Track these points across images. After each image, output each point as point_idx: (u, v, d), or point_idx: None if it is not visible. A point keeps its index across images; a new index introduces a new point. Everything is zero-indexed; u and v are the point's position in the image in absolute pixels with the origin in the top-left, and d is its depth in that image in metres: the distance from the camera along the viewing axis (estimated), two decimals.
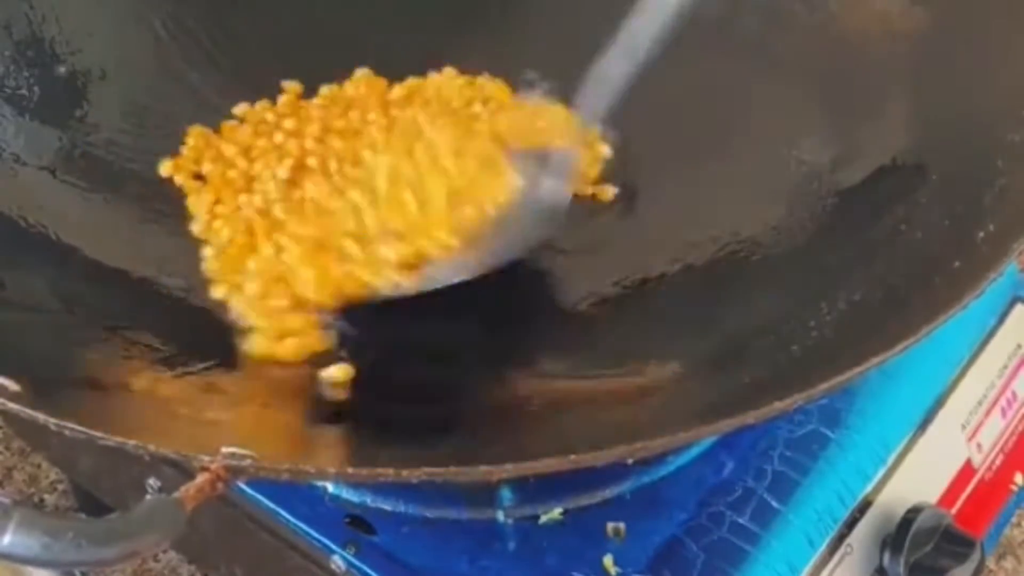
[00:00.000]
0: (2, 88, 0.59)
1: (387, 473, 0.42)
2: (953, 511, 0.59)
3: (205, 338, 0.54)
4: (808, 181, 0.58)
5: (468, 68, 0.63)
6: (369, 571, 0.53)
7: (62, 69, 0.60)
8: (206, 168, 0.59)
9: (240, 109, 0.61)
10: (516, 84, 0.61)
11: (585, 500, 0.54)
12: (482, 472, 0.42)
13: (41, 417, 0.41)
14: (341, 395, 0.51)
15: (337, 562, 0.54)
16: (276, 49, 0.65)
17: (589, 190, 0.59)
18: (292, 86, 0.62)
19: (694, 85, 0.61)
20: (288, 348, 0.52)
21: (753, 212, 0.57)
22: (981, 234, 0.49)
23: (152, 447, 0.41)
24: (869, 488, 0.56)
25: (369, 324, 0.53)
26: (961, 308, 0.44)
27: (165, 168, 0.59)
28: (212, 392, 0.50)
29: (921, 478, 0.58)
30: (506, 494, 0.54)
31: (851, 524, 0.55)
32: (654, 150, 0.60)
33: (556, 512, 0.54)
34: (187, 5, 0.64)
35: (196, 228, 0.57)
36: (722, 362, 0.50)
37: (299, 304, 0.53)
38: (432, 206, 0.54)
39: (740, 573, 0.52)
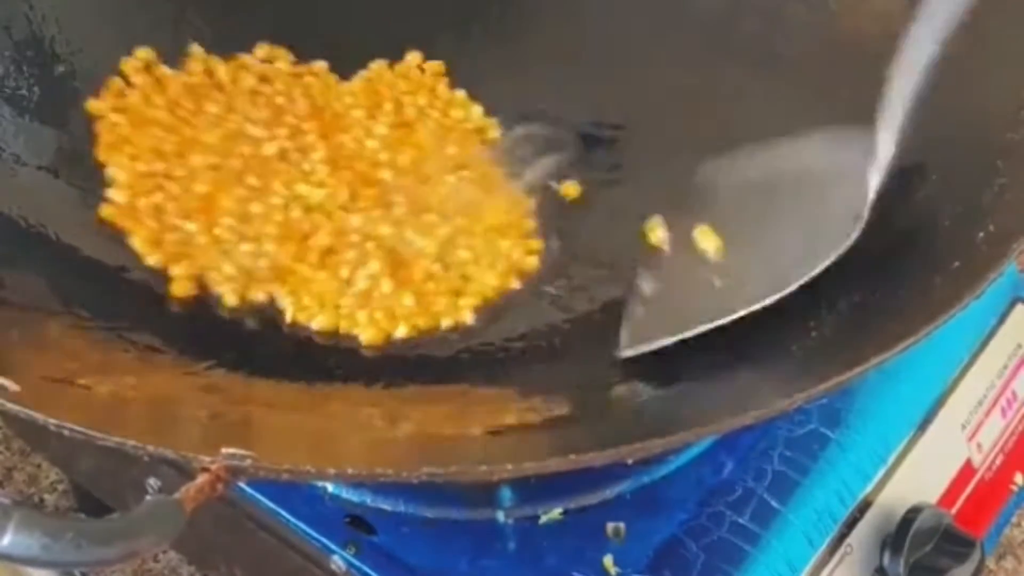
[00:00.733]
0: (2, 88, 0.59)
1: (387, 473, 0.42)
2: (953, 511, 0.59)
3: (205, 338, 0.54)
4: None
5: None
6: (369, 571, 0.53)
7: (62, 69, 0.60)
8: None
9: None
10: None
11: (585, 500, 0.54)
12: (482, 472, 0.42)
13: (41, 417, 0.41)
14: None
15: (337, 562, 0.54)
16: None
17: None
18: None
19: (694, 85, 0.61)
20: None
21: None
22: (981, 234, 0.49)
23: (152, 447, 0.41)
24: (869, 488, 0.56)
25: None
26: (961, 308, 0.44)
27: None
28: (212, 392, 0.50)
29: (921, 478, 0.58)
30: (506, 494, 0.54)
31: (851, 524, 0.55)
32: (654, 150, 0.60)
33: (556, 512, 0.54)
34: (188, 5, 0.64)
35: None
36: (722, 362, 0.50)
37: None
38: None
39: (740, 573, 0.52)
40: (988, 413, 0.61)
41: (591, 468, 0.41)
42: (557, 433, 0.49)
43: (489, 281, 0.56)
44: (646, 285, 0.54)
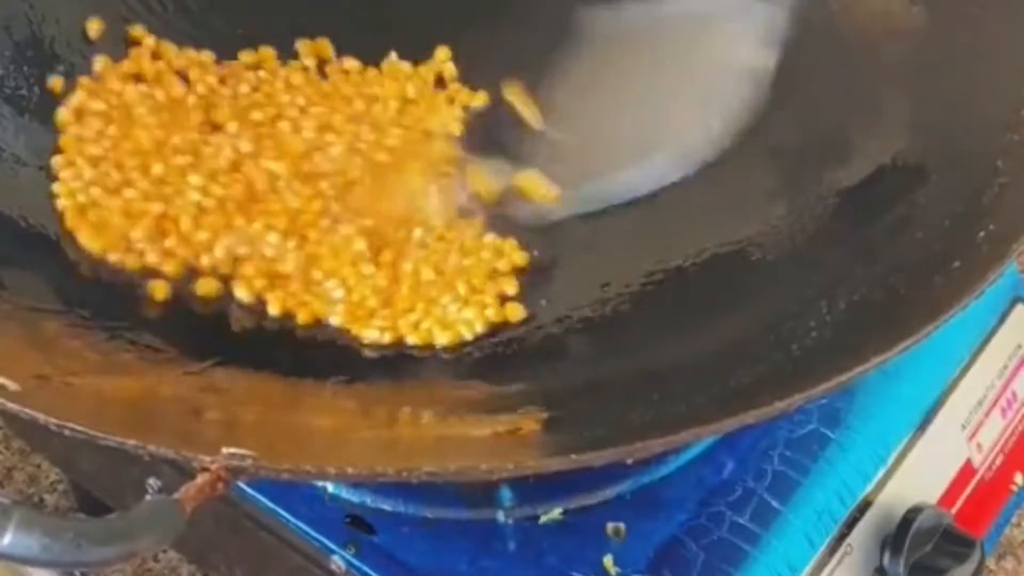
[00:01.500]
0: (2, 88, 0.59)
1: (387, 473, 0.42)
2: (953, 511, 0.59)
3: (205, 338, 0.54)
4: (808, 181, 0.57)
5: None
6: (369, 571, 0.53)
7: (62, 69, 0.60)
8: None
9: None
10: None
11: (585, 500, 0.54)
12: (482, 472, 0.42)
13: (41, 417, 0.41)
14: None
15: (337, 562, 0.54)
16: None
17: None
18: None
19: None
20: None
21: (753, 212, 0.57)
22: (981, 234, 0.49)
23: (152, 447, 0.41)
24: (869, 488, 0.56)
25: None
26: (961, 308, 0.44)
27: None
28: (212, 392, 0.50)
29: (921, 478, 0.58)
30: (506, 494, 0.54)
31: (851, 524, 0.55)
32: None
33: (556, 512, 0.54)
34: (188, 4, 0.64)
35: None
36: (722, 362, 0.50)
37: None
38: None
39: (740, 573, 0.52)
40: (988, 413, 0.61)
41: (591, 468, 0.41)
42: (557, 433, 0.49)
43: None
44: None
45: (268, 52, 0.62)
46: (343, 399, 0.51)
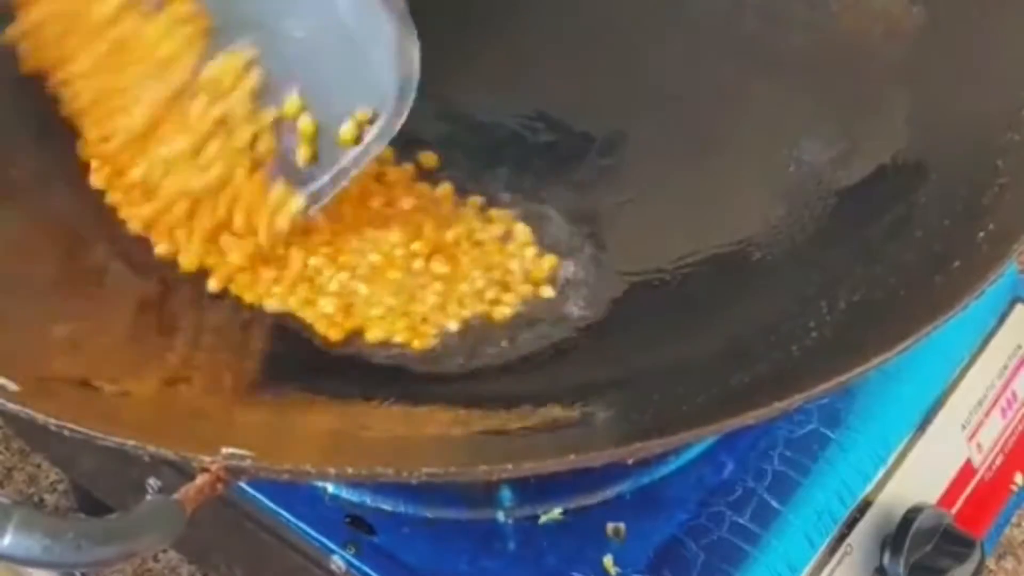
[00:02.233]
0: None
1: (387, 473, 0.42)
2: (953, 511, 0.59)
3: (205, 338, 0.54)
4: (808, 181, 0.58)
5: None
6: (369, 571, 0.53)
7: None
8: None
9: None
10: None
11: (585, 500, 0.54)
12: (482, 472, 0.42)
13: (41, 417, 0.41)
14: None
15: (337, 562, 0.54)
16: None
17: None
18: None
19: (694, 85, 0.61)
20: None
21: (753, 212, 0.57)
22: (981, 234, 0.49)
23: (152, 447, 0.41)
24: (869, 488, 0.56)
25: None
26: (961, 308, 0.44)
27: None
28: (212, 392, 0.50)
29: (921, 478, 0.58)
30: (506, 494, 0.54)
31: (851, 524, 0.55)
32: (654, 150, 0.60)
33: (556, 512, 0.54)
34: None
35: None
36: (722, 362, 0.50)
37: None
38: None
39: (740, 573, 0.52)
40: (988, 413, 0.61)
41: (591, 468, 0.41)
42: (557, 433, 0.49)
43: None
44: None
45: None
46: (350, 401, 0.51)
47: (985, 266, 0.46)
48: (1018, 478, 0.63)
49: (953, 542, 0.56)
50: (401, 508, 0.54)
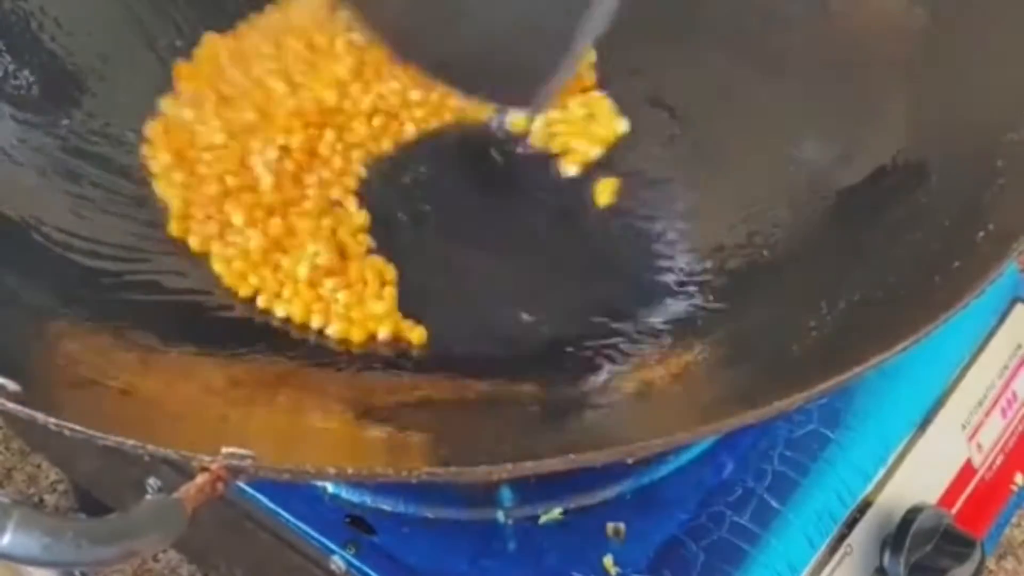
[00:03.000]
0: (2, 88, 0.59)
1: (387, 473, 0.42)
2: (953, 511, 0.59)
3: (206, 338, 0.54)
4: (808, 181, 0.58)
5: None
6: (369, 571, 0.53)
7: (62, 68, 0.60)
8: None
9: None
10: None
11: (585, 500, 0.54)
12: (482, 472, 0.42)
13: (41, 417, 0.41)
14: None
15: (337, 562, 0.54)
16: None
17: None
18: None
19: (694, 85, 0.61)
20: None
21: (753, 212, 0.57)
22: (981, 234, 0.49)
23: (152, 447, 0.41)
24: (869, 488, 0.56)
25: None
26: (961, 308, 0.44)
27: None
28: (212, 392, 0.50)
29: (921, 478, 0.58)
30: (506, 494, 0.54)
31: (851, 524, 0.55)
32: (654, 151, 0.60)
33: (556, 512, 0.54)
34: (190, 4, 0.64)
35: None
36: (722, 361, 0.50)
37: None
38: None
39: (740, 573, 0.52)
40: (988, 413, 0.61)
41: (591, 468, 0.41)
42: (558, 433, 0.49)
43: None
44: None
45: None
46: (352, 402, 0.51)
47: (985, 266, 0.46)
48: (1018, 478, 0.63)
49: (953, 542, 0.56)
50: (401, 508, 0.54)
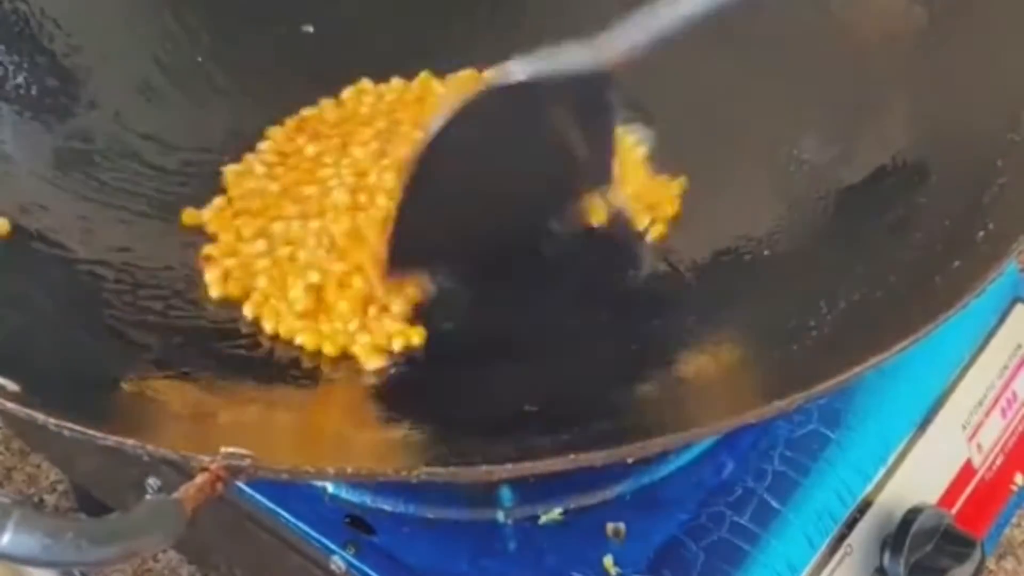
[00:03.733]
0: (2, 87, 0.59)
1: (387, 473, 0.42)
2: (953, 511, 0.59)
3: (206, 338, 0.54)
4: (808, 181, 0.58)
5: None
6: (369, 571, 0.53)
7: (62, 67, 0.60)
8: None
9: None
10: None
11: (585, 500, 0.54)
12: (482, 472, 0.42)
13: (41, 417, 0.41)
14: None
15: (337, 562, 0.54)
16: (279, 50, 0.65)
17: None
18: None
19: (694, 85, 0.61)
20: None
21: (753, 212, 0.57)
22: (981, 234, 0.49)
23: (152, 447, 0.41)
24: (869, 488, 0.56)
25: None
26: (961, 308, 0.44)
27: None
28: (212, 392, 0.50)
29: (921, 478, 0.58)
30: (506, 494, 0.54)
31: (851, 524, 0.55)
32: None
33: (556, 512, 0.54)
34: (189, 4, 0.64)
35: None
36: (721, 362, 0.50)
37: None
38: None
39: (740, 573, 0.52)
40: (988, 413, 0.61)
41: (591, 468, 0.41)
42: (558, 433, 0.49)
43: None
44: None
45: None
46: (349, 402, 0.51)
47: (985, 266, 0.46)
48: (1018, 478, 0.63)
49: (953, 542, 0.56)
50: (401, 508, 0.54)
